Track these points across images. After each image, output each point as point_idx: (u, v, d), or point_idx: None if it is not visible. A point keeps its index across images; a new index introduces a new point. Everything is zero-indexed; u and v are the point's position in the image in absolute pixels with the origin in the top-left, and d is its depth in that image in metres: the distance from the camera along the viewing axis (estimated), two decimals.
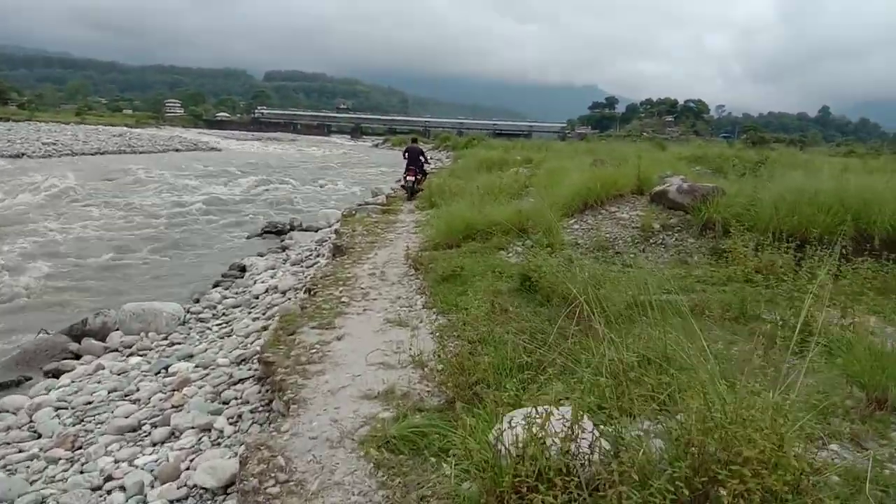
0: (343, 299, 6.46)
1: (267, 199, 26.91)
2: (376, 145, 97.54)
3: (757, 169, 14.62)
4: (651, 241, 7.81)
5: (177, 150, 61.64)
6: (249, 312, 9.01)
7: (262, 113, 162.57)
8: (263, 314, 8.67)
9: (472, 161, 28.67)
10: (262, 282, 10.64)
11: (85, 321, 9.43)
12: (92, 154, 50.11)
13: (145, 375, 6.91)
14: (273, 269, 12.51)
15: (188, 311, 9.44)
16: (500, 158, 26.77)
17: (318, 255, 12.38)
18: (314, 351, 4.85)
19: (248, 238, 18.88)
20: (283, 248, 15.64)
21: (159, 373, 6.96)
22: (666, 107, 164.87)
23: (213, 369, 6.45)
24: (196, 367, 6.64)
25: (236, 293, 10.59)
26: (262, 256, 14.54)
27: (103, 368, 7.53)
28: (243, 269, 13.84)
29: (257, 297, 9.77)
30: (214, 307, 9.80)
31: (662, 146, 38.93)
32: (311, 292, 6.97)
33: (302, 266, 11.27)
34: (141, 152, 56.01)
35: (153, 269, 14.54)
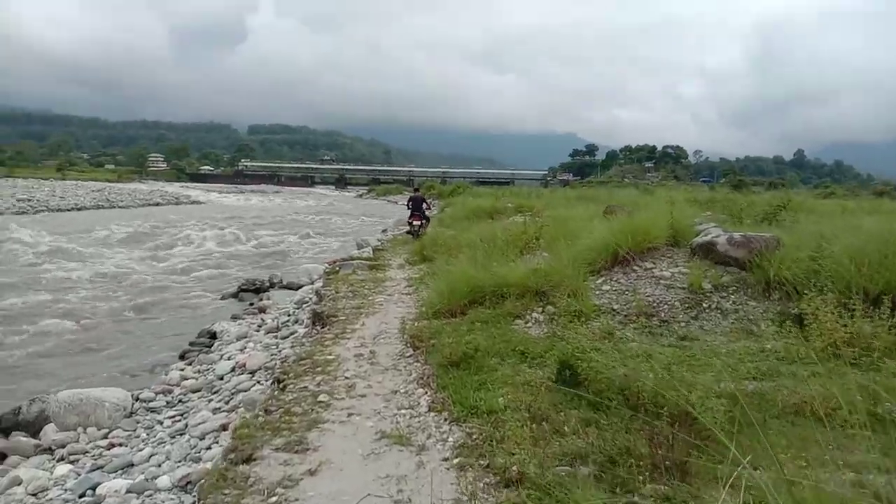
0: (321, 397, 4.88)
1: (249, 254, 25.36)
2: (360, 195, 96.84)
3: (777, 214, 13.31)
4: (704, 305, 6.35)
5: (157, 205, 60.31)
6: (210, 400, 7.39)
7: (246, 166, 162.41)
8: (227, 402, 7.06)
9: (461, 209, 27.36)
10: (229, 357, 9.03)
11: (18, 410, 7.83)
12: (68, 210, 48.70)
13: (65, 502, 5.25)
14: (245, 337, 10.92)
15: (137, 399, 7.79)
16: (492, 207, 25.42)
17: (295, 322, 10.80)
18: (273, 500, 3.26)
19: (222, 299, 17.27)
20: (260, 310, 14.07)
21: (84, 495, 5.32)
22: (645, 153, 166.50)
23: (150, 496, 4.81)
24: (128, 493, 4.99)
25: (199, 371, 8.97)
26: (235, 321, 12.95)
27: (19, 484, 5.89)
28: (214, 336, 12.31)
29: (222, 378, 8.15)
30: (171, 391, 8.17)
31: (649, 191, 38.02)
32: (281, 384, 5.40)
33: (277, 336, 9.67)
34: (120, 207, 54.78)
35: (114, 338, 12.89)
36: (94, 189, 71.84)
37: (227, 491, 3.36)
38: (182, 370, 9.23)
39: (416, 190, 23.95)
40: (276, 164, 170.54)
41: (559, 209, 14.60)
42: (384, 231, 31.49)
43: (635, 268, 7.27)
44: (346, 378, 5.33)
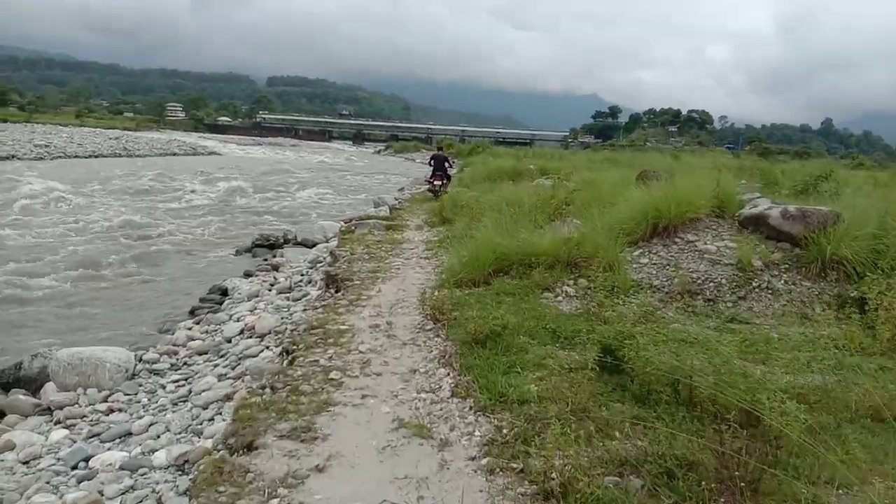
0: (332, 374, 4.43)
1: (262, 208, 24.94)
2: (378, 151, 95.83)
3: (817, 185, 12.59)
4: (753, 284, 5.79)
5: (174, 155, 60.02)
6: (216, 365, 6.98)
7: (264, 118, 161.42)
8: (233, 368, 6.65)
9: (481, 170, 26.71)
10: (238, 318, 8.61)
11: (19, 365, 7.53)
12: (86, 157, 48.45)
13: (56, 474, 4.88)
14: (257, 296, 10.52)
15: (140, 360, 7.42)
16: (513, 168, 24.78)
17: (309, 282, 10.37)
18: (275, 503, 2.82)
19: (236, 254, 16.90)
20: (273, 268, 13.66)
21: (76, 467, 4.95)
22: (669, 116, 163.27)
23: (144, 476, 4.42)
24: (121, 469, 4.60)
25: (206, 332, 8.57)
26: (247, 278, 12.56)
27: (12, 449, 5.54)
28: (225, 293, 11.94)
29: (230, 341, 7.73)
30: (176, 352, 7.79)
31: (675, 156, 37.04)
32: (290, 356, 4.95)
33: (289, 298, 9.22)
34: (137, 155, 54.51)
35: (123, 291, 12.55)
36: (112, 137, 71.46)
37: (222, 489, 2.92)
38: (189, 329, 8.85)
39: (440, 149, 23.50)
40: (294, 118, 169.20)
41: (587, 172, 13.94)
42: (401, 189, 30.92)
43: (676, 240, 6.70)
44: (361, 352, 4.87)
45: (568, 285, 6.20)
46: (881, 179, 18.35)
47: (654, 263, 6.39)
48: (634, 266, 6.38)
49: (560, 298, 5.99)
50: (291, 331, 6.16)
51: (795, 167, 18.53)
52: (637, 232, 6.75)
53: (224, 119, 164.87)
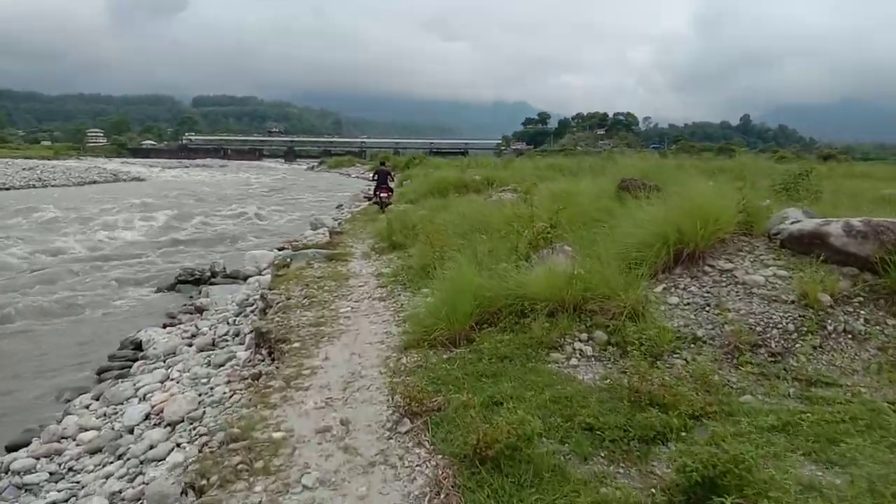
0: None
1: (189, 237, 22.68)
2: (312, 167, 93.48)
3: (798, 183, 11.52)
4: (828, 327, 4.37)
5: (94, 182, 56.46)
6: (109, 475, 5.12)
7: (191, 139, 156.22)
8: (131, 482, 4.83)
9: (423, 182, 25.10)
10: (146, 395, 6.72)
11: None
12: None
13: None
14: (174, 353, 8.66)
15: (7, 471, 5.49)
16: (458, 180, 23.26)
17: (236, 335, 8.52)
18: None
19: (157, 291, 14.87)
20: (198, 310, 11.78)
21: None
22: (596, 120, 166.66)
23: None
24: None
25: (105, 414, 6.66)
26: (165, 328, 10.63)
27: None
28: (139, 347, 10.10)
29: (132, 432, 5.87)
30: (61, 451, 5.88)
31: (613, 159, 36.37)
32: (201, 494, 3.22)
33: (210, 361, 7.34)
34: (53, 185, 50.91)
35: (17, 347, 10.53)
36: (26, 167, 67.01)
37: None
38: (87, 408, 6.95)
39: (383, 163, 24.75)
40: (223, 137, 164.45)
41: (548, 183, 12.53)
42: (339, 207, 29.06)
43: (706, 268, 5.23)
44: (306, 488, 3.17)
45: (581, 340, 4.64)
46: (821, 172, 17.51)
47: (688, 303, 4.90)
48: (662, 308, 4.89)
49: (575, 362, 4.42)
50: (201, 449, 4.35)
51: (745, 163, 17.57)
52: (654, 260, 5.26)
53: (148, 142, 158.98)
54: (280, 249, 16.68)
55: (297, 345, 5.68)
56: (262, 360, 6.29)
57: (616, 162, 25.71)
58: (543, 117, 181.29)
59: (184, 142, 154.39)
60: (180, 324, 10.98)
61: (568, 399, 3.75)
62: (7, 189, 46.08)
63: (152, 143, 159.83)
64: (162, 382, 7.04)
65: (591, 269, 5.01)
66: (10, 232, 22.30)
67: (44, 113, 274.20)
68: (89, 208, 29.88)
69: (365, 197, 28.99)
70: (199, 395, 6.13)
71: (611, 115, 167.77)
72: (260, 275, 13.61)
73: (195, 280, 15.10)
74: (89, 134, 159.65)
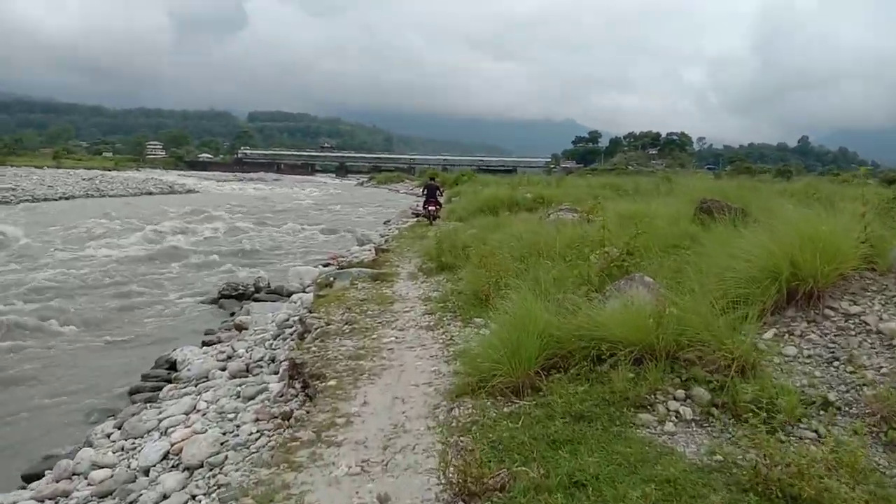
0: None
1: (237, 249, 22.38)
2: (361, 183, 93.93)
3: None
4: None
5: (150, 194, 57.54)
6: None
7: (246, 153, 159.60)
8: None
9: (472, 199, 24.33)
10: (168, 428, 6.07)
11: None
12: (55, 199, 45.80)
13: None
14: (206, 379, 8.06)
15: None
16: (509, 197, 22.45)
17: (271, 361, 7.84)
18: None
19: (201, 302, 14.49)
20: (237, 328, 11.25)
21: None
22: (649, 140, 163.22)
23: None
24: None
25: (122, 449, 6.03)
26: (202, 347, 10.11)
27: None
28: (174, 366, 9.63)
29: (147, 474, 5.21)
30: (68, 493, 5.25)
31: (668, 179, 35.01)
32: None
33: (240, 392, 6.65)
34: (111, 195, 52.05)
35: (66, 360, 10.20)
36: (85, 177, 69.05)
37: None
38: (99, 445, 6.32)
39: (432, 179, 25.12)
40: (276, 152, 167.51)
41: (609, 203, 11.60)
42: (387, 223, 28.51)
43: (827, 311, 4.29)
44: None
45: (676, 399, 3.75)
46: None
47: (809, 356, 3.95)
48: (776, 360, 3.96)
49: (671, 427, 3.54)
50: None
51: (832, 187, 16.25)
52: (759, 299, 4.34)
53: (205, 156, 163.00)
54: (325, 266, 16.13)
55: (332, 382, 4.93)
56: (295, 396, 5.58)
57: (677, 182, 24.54)
58: (594, 136, 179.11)
59: (239, 155, 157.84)
60: (218, 342, 10.46)
61: (671, 484, 2.88)
62: (67, 198, 47.21)
63: (209, 156, 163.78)
64: (187, 414, 6.38)
65: (685, 308, 4.12)
66: (60, 238, 22.40)
67: (107, 126, 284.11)
68: (141, 219, 30.02)
69: (413, 213, 28.44)
70: (224, 433, 5.42)
71: (663, 134, 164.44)
72: (304, 292, 13.02)
73: (238, 295, 14.65)
74: (149, 146, 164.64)
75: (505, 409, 3.97)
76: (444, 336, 6.26)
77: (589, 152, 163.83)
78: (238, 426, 5.50)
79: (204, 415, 6.21)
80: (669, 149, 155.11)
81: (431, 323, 6.84)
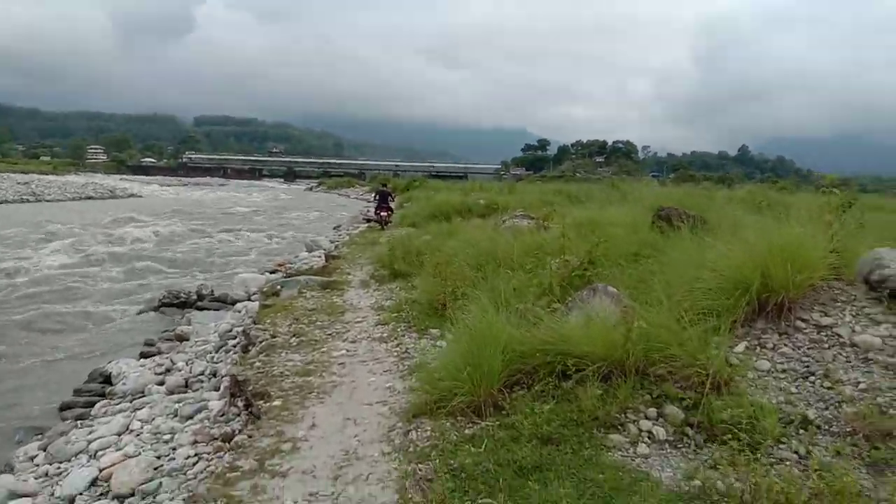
0: None
1: (179, 255, 21.50)
2: (311, 188, 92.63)
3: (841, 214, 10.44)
4: None
5: (90, 198, 55.52)
6: None
7: (191, 158, 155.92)
8: None
9: (424, 206, 24.11)
10: (97, 451, 5.57)
11: None
12: None
13: None
14: (142, 394, 7.53)
15: None
16: (461, 203, 22.30)
17: (212, 377, 7.36)
18: None
19: (139, 313, 13.73)
20: (178, 338, 10.67)
21: None
22: (596, 148, 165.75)
23: None
24: None
25: (46, 475, 5.49)
26: (139, 360, 9.50)
27: None
28: (108, 380, 9.02)
29: (72, 503, 4.73)
30: None
31: (616, 186, 35.48)
32: None
33: (178, 410, 6.17)
34: (48, 200, 49.88)
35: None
36: (21, 182, 66.10)
37: None
38: (21, 470, 5.77)
39: (384, 185, 26.42)
40: (223, 157, 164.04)
41: (564, 209, 11.47)
42: (337, 228, 27.94)
43: (799, 323, 4.13)
44: None
45: (648, 418, 3.52)
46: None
47: (784, 370, 3.75)
48: (750, 375, 3.77)
49: (645, 449, 3.30)
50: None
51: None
52: (729, 311, 4.15)
53: (148, 160, 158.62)
54: (272, 273, 15.59)
55: (278, 402, 4.55)
56: (238, 415, 5.16)
57: (626, 189, 24.65)
58: (543, 144, 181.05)
59: (184, 160, 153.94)
60: (158, 353, 9.87)
61: None
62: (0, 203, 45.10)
63: (152, 160, 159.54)
64: (119, 435, 5.86)
65: (653, 321, 3.90)
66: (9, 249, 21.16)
67: (45, 130, 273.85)
68: (78, 224, 28.72)
69: (364, 218, 28.04)
70: (158, 457, 4.97)
71: (610, 142, 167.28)
72: (249, 300, 12.49)
73: (180, 303, 13.98)
74: (89, 150, 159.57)
75: (466, 431, 3.67)
76: (398, 349, 5.94)
77: (538, 159, 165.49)
78: (174, 448, 5.05)
79: (138, 435, 5.73)
80: (616, 157, 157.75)
81: (385, 334, 6.51)
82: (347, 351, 5.93)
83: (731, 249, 4.51)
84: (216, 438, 4.92)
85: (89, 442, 5.88)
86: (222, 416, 5.40)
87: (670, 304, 4.21)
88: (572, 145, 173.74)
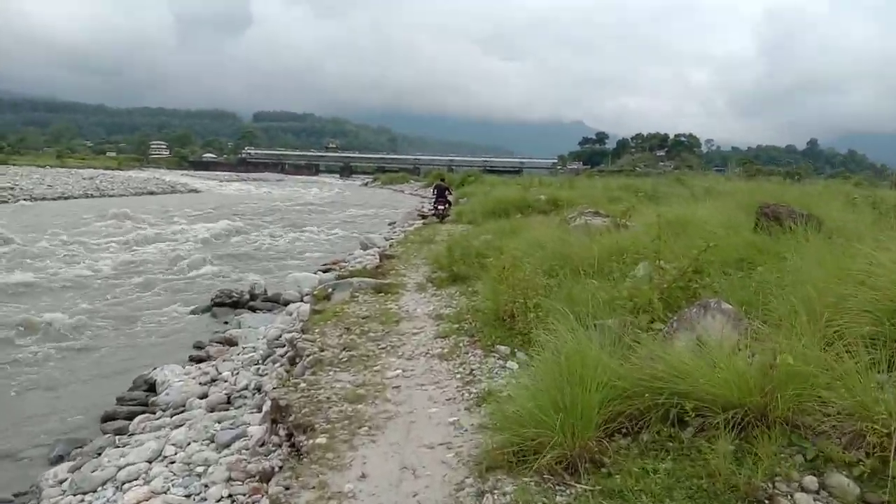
0: None
1: (235, 252, 21.27)
2: (366, 184, 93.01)
3: None
4: None
5: (151, 193, 56.73)
6: None
7: (250, 153, 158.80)
8: None
9: (482, 201, 23.30)
10: (120, 486, 4.96)
11: None
12: (54, 199, 44.91)
13: None
14: (183, 408, 6.99)
15: None
16: (521, 199, 21.36)
17: (256, 393, 6.75)
18: None
19: (192, 313, 13.40)
20: (227, 342, 10.23)
21: None
22: (657, 141, 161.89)
23: None
24: None
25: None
26: (185, 367, 9.03)
27: None
28: (152, 388, 8.61)
29: None
30: None
31: (681, 180, 33.76)
32: None
33: (214, 435, 5.50)
34: (110, 195, 51.09)
35: (47, 374, 9.15)
36: (86, 177, 68.39)
37: None
38: (45, 496, 5.23)
39: (442, 179, 26.07)
40: (281, 152, 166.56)
41: (642, 208, 10.48)
42: (392, 224, 27.40)
43: None
44: None
45: (805, 488, 2.61)
46: None
47: None
48: None
49: None
50: None
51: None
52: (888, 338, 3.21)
53: (209, 156, 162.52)
54: (325, 272, 15.06)
55: (322, 440, 3.80)
56: (279, 446, 4.47)
57: (684, 183, 23.21)
58: (601, 137, 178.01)
59: (243, 155, 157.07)
60: (207, 358, 9.42)
61: None
62: (66, 198, 46.34)
63: (213, 156, 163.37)
64: (150, 462, 5.25)
65: (802, 355, 2.99)
66: (47, 238, 21.28)
67: (111, 126, 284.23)
68: (139, 219, 28.96)
69: (419, 215, 27.47)
70: (188, 495, 4.32)
71: (671, 136, 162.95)
72: (301, 300, 11.98)
73: (232, 303, 13.59)
74: (153, 146, 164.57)
75: (558, 499, 2.84)
76: (461, 369, 5.13)
77: (595, 153, 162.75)
78: (206, 486, 4.38)
79: (171, 463, 5.10)
80: (677, 150, 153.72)
81: (445, 350, 5.71)
82: (403, 371, 5.16)
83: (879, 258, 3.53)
84: (253, 476, 4.23)
85: (119, 468, 5.28)
86: (262, 445, 4.72)
87: (813, 328, 3.27)
88: (632, 138, 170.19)
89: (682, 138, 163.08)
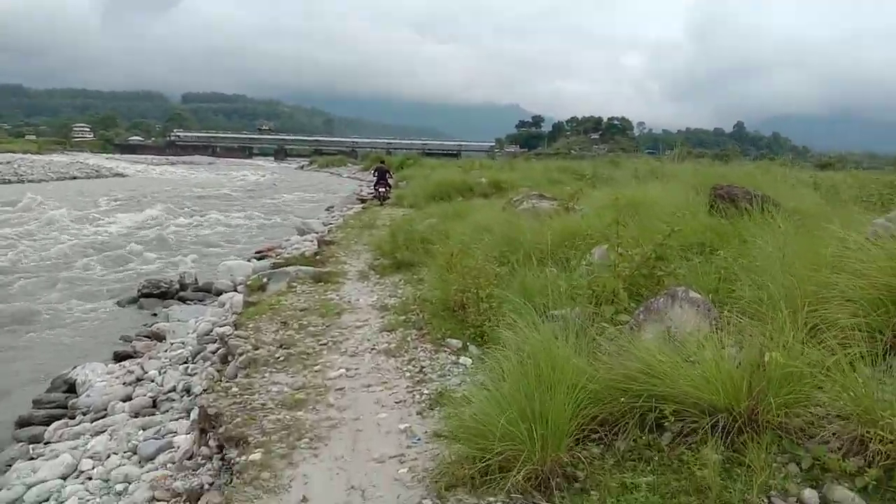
0: None
1: (163, 239, 20.16)
2: (302, 167, 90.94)
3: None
4: None
5: (74, 178, 53.99)
6: None
7: (179, 136, 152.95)
8: None
9: (422, 185, 22.92)
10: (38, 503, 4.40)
11: None
12: None
13: None
14: (104, 413, 6.40)
15: None
16: (462, 182, 21.08)
17: (184, 394, 6.20)
18: None
19: (118, 304, 12.55)
20: (155, 337, 9.57)
21: None
22: (591, 124, 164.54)
23: None
24: None
25: None
26: (108, 365, 8.36)
27: None
28: (72, 388, 7.94)
29: None
30: None
31: (616, 163, 34.13)
32: None
33: (141, 437, 4.97)
34: (30, 181, 48.22)
35: None
36: (3, 161, 64.34)
37: None
38: None
39: (382, 162, 26.82)
40: (212, 135, 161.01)
41: (550, 185, 10.26)
42: (330, 209, 26.63)
43: None
44: None
45: (803, 502, 2.38)
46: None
47: None
48: None
49: None
50: None
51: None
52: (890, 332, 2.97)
53: (135, 138, 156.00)
54: (259, 259, 14.36)
55: (257, 455, 3.36)
56: (209, 459, 4.00)
57: (619, 165, 23.32)
58: (537, 121, 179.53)
59: (172, 138, 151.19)
60: (133, 354, 8.76)
61: None
62: None
63: (140, 139, 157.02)
64: (64, 479, 4.68)
65: (788, 350, 2.73)
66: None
67: (30, 107, 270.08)
68: (54, 206, 27.29)
69: (358, 198, 26.93)
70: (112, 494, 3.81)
71: (605, 119, 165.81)
72: (235, 290, 11.32)
73: (161, 293, 12.80)
74: (75, 129, 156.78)
75: None
76: (410, 366, 4.75)
77: (532, 137, 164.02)
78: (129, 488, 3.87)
79: (88, 479, 4.55)
80: (611, 133, 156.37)
81: (392, 345, 5.31)
82: (347, 370, 4.73)
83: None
84: (180, 496, 3.75)
85: (27, 487, 4.69)
86: (190, 458, 4.23)
87: (795, 320, 3.02)
88: (567, 122, 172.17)
89: (616, 122, 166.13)
